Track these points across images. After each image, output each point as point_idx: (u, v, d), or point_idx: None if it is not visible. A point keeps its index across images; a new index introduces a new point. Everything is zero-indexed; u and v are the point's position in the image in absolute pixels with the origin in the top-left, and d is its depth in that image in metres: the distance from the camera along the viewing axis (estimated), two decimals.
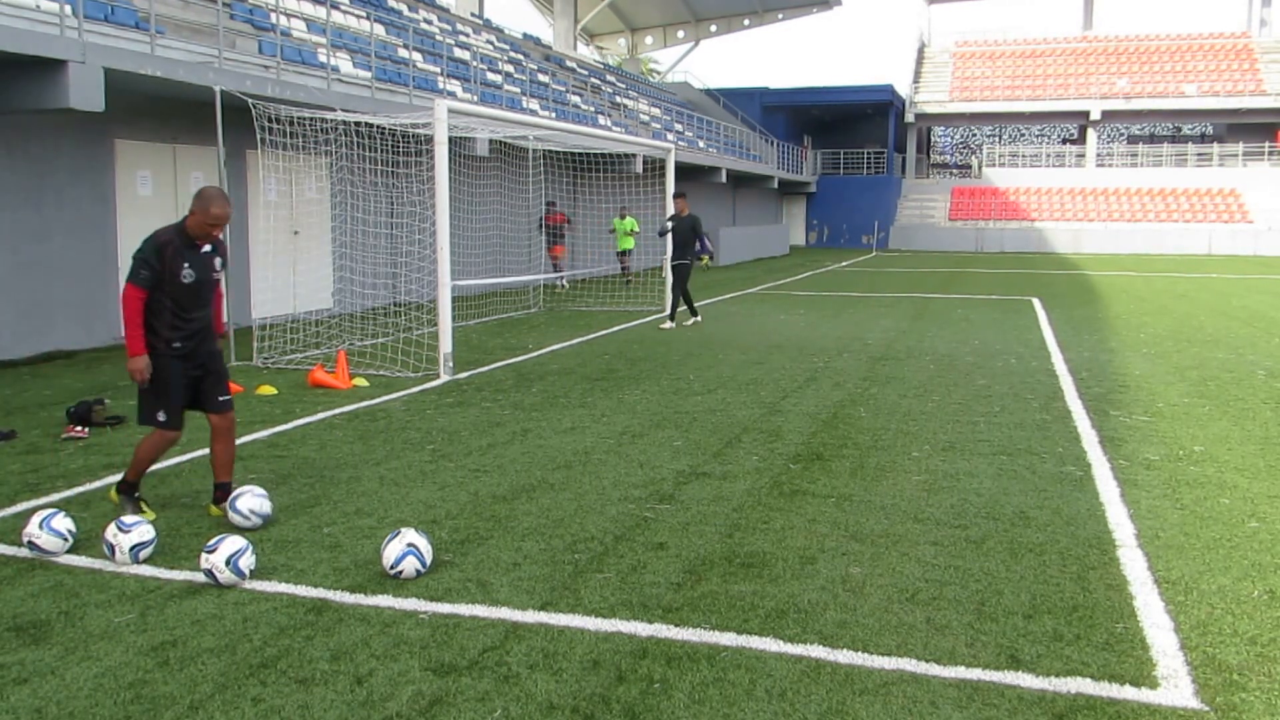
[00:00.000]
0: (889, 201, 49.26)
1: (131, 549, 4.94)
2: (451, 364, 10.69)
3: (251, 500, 5.51)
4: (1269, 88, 47.36)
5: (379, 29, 19.15)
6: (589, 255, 24.70)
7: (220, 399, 5.80)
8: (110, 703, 3.60)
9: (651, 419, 8.51)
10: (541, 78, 26.83)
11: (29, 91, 10.52)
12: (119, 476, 6.30)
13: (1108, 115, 49.27)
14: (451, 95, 19.74)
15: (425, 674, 3.83)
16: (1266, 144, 47.36)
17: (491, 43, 30.05)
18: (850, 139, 53.34)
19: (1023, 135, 57.89)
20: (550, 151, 20.40)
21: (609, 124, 28.88)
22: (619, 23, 50.28)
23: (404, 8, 25.92)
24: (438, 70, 20.56)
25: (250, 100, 11.77)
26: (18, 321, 11.67)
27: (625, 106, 33.58)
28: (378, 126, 14.21)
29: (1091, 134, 50.35)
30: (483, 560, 5.05)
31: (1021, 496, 6.20)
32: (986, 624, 4.29)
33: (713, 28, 50.60)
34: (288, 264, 15.12)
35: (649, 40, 52.20)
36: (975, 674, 3.84)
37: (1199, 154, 48.64)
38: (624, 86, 38.11)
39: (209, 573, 4.68)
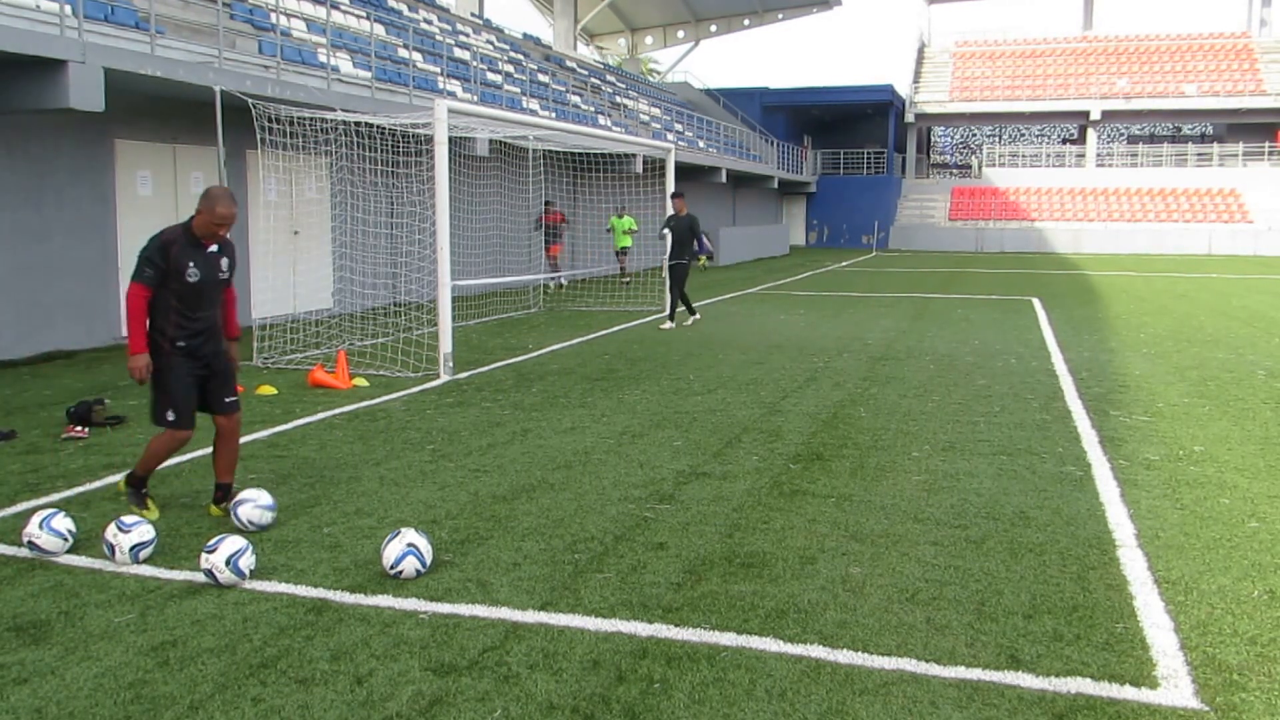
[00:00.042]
0: (889, 201, 49.27)
1: (131, 549, 4.94)
2: (451, 364, 10.69)
3: (252, 511, 5.47)
4: (1269, 88, 47.37)
5: (379, 29, 19.15)
6: (589, 255, 24.71)
7: (226, 400, 5.78)
8: (110, 703, 3.60)
9: (651, 419, 8.51)
10: (541, 78, 26.83)
11: (29, 91, 10.53)
12: (119, 476, 6.32)
13: (1108, 115, 49.29)
14: (451, 95, 19.74)
15: (425, 674, 3.83)
16: (1266, 144, 47.37)
17: (491, 43, 30.05)
18: (850, 139, 53.36)
19: (1023, 135, 57.91)
20: (550, 151, 20.40)
21: (609, 124, 28.88)
22: (619, 23, 50.28)
23: (404, 8, 25.92)
24: (438, 70, 20.56)
25: (250, 100, 11.77)
26: (18, 321, 11.67)
27: (625, 106, 33.58)
28: (378, 126, 14.21)
29: (1091, 134, 50.36)
30: (483, 560, 5.05)
31: (1021, 496, 6.20)
32: (986, 624, 4.29)
33: (713, 28, 50.61)
34: (288, 264, 15.12)
35: (649, 40, 52.21)
36: (975, 674, 3.85)
37: (1199, 154, 48.65)
38: (624, 86, 38.11)
39: (209, 573, 4.69)
